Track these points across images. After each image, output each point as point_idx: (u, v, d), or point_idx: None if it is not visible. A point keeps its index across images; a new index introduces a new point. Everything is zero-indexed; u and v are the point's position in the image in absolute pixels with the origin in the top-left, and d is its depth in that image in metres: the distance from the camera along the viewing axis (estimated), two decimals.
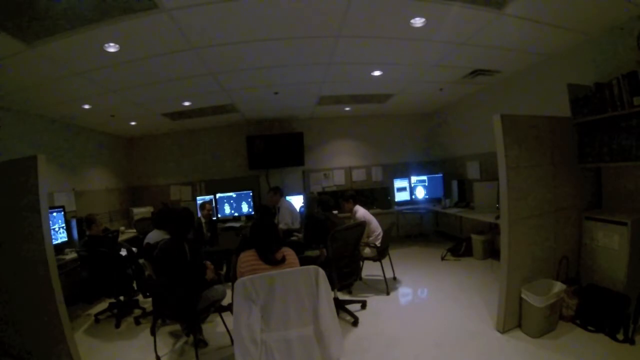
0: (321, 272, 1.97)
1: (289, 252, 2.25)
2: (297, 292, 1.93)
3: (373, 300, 3.67)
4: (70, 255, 3.68)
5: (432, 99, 5.56)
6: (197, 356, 2.61)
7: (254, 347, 1.83)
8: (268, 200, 5.09)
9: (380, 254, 4.00)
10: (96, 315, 3.57)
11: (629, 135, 2.68)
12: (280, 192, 5.06)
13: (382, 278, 3.98)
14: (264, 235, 2.23)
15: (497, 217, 3.38)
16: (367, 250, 4.02)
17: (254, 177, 6.40)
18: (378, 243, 4.04)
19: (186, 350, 2.87)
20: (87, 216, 3.71)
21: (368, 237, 4.07)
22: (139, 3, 2.16)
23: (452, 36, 3.05)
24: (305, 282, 1.94)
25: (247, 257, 2.19)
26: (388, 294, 3.83)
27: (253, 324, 1.85)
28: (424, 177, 6.15)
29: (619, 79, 2.65)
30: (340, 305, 3.31)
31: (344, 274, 3.19)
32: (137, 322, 3.46)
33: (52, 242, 2.49)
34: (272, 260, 2.16)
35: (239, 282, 1.86)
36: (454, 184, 5.55)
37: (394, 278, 4.31)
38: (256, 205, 5.83)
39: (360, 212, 4.21)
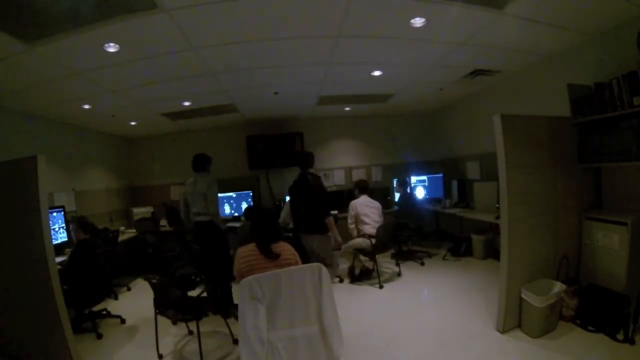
0: (324, 269, 1.97)
1: (285, 248, 2.24)
2: (302, 290, 1.93)
3: (371, 298, 3.69)
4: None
5: (432, 99, 5.56)
6: (201, 355, 2.61)
7: (261, 347, 1.82)
8: None
9: (374, 248, 4.05)
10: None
11: (629, 135, 2.68)
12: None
13: (389, 271, 4.05)
14: (264, 228, 2.24)
15: (497, 217, 3.38)
16: (358, 240, 4.06)
17: (254, 177, 6.40)
18: (369, 231, 4.10)
19: (189, 350, 2.88)
20: (76, 218, 3.54)
21: (360, 223, 4.18)
22: (139, 3, 2.16)
23: (452, 36, 3.05)
24: (311, 280, 1.94)
25: (245, 252, 2.18)
26: (381, 287, 3.95)
27: (259, 323, 1.84)
28: (424, 177, 6.15)
29: (619, 79, 2.64)
30: None
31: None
32: (123, 321, 3.49)
33: (52, 242, 2.49)
34: (269, 253, 2.16)
35: (244, 282, 1.86)
36: (454, 184, 5.55)
37: (399, 274, 4.38)
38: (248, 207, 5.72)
39: (354, 202, 4.33)
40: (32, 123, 4.13)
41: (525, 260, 2.78)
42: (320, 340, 1.95)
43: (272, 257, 2.14)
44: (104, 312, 3.59)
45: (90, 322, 3.28)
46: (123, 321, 3.49)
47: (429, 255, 5.19)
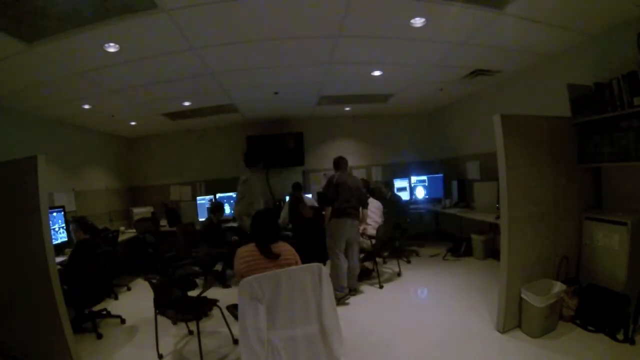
0: (324, 269, 1.97)
1: (285, 248, 2.23)
2: (303, 290, 1.93)
3: (371, 298, 3.69)
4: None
5: (432, 99, 5.57)
6: (201, 355, 2.61)
7: (261, 347, 1.82)
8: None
9: (374, 249, 4.08)
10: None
11: (629, 136, 2.68)
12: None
13: (389, 271, 4.12)
14: (264, 227, 2.24)
15: (497, 217, 3.38)
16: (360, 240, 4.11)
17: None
18: (370, 232, 4.12)
19: (189, 350, 2.88)
20: (76, 218, 3.54)
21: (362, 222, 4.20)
22: (139, 3, 2.16)
23: (452, 36, 3.05)
24: (311, 280, 1.94)
25: (245, 253, 2.17)
26: (381, 287, 3.97)
27: (260, 323, 1.84)
28: (424, 177, 6.15)
29: (619, 79, 2.65)
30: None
31: None
32: (123, 321, 3.49)
33: (52, 242, 2.49)
34: (269, 253, 2.15)
35: (244, 282, 1.85)
36: (454, 184, 5.55)
37: (399, 274, 4.39)
38: None
39: None
40: (32, 123, 4.13)
41: (525, 260, 2.78)
42: (320, 340, 1.95)
43: (272, 257, 2.13)
44: (104, 312, 3.59)
45: (90, 322, 3.28)
46: (123, 321, 3.49)
47: (417, 254, 5.29)
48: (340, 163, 3.98)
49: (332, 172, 5.42)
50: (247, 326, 1.83)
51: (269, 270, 2.00)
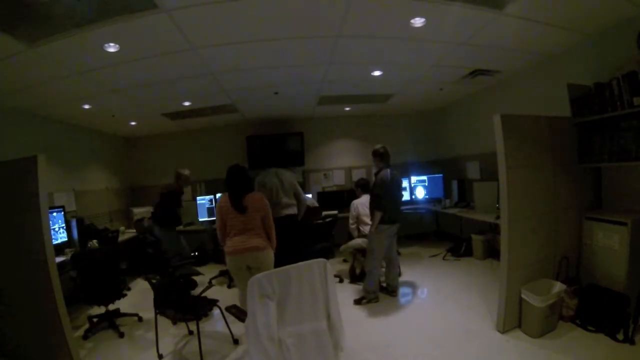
0: (328, 263, 1.98)
1: (254, 199, 2.65)
2: (312, 285, 1.93)
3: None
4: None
5: (432, 99, 5.57)
6: (201, 355, 2.61)
7: (271, 345, 1.81)
8: None
9: None
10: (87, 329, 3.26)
11: (629, 135, 2.68)
12: None
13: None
14: (234, 181, 2.67)
15: (497, 217, 3.38)
16: (358, 241, 4.14)
17: (253, 177, 6.38)
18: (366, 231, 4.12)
19: (189, 350, 2.88)
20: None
21: (362, 224, 4.24)
22: (139, 3, 2.16)
23: (452, 36, 3.05)
24: (319, 275, 1.94)
25: (221, 203, 2.68)
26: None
27: (270, 320, 1.83)
28: (424, 177, 6.15)
29: (619, 79, 2.65)
30: None
31: None
32: (140, 319, 3.51)
33: (52, 242, 2.49)
34: (239, 206, 2.57)
35: (254, 280, 1.84)
36: (454, 184, 5.55)
37: (399, 274, 4.35)
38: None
39: (356, 202, 4.42)
40: (32, 123, 4.12)
41: (525, 260, 2.78)
42: (327, 335, 1.95)
43: (241, 210, 2.56)
44: (118, 312, 3.60)
45: (92, 323, 3.29)
46: (140, 319, 3.51)
47: (399, 253, 5.25)
48: (388, 154, 3.50)
49: (331, 172, 5.47)
50: (257, 324, 1.82)
51: (239, 220, 2.54)
